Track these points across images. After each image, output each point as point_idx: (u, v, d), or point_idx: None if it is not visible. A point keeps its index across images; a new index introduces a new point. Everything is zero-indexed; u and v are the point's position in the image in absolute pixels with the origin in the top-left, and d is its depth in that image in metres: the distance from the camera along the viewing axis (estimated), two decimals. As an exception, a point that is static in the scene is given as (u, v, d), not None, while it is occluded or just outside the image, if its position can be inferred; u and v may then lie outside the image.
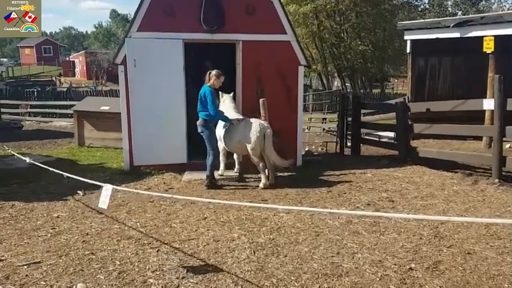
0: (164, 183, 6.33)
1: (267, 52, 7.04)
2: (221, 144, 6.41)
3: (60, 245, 3.95)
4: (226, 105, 6.36)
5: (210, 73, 5.95)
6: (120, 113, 6.99)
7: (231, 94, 6.59)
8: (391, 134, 9.99)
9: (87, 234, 4.21)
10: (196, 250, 3.71)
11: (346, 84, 35.06)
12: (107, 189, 3.57)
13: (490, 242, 3.71)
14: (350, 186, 5.94)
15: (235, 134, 6.09)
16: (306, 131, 13.97)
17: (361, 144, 9.15)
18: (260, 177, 6.16)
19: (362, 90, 32.27)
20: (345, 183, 6.11)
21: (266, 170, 6.09)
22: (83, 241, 4.02)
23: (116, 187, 3.89)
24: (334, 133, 12.30)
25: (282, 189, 5.81)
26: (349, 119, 9.38)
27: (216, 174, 6.48)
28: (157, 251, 3.69)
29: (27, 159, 5.86)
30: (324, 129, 14.26)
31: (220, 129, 6.27)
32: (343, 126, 9.53)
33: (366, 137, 10.02)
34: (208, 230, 4.20)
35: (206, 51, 8.15)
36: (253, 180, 6.51)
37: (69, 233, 4.26)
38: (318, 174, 6.81)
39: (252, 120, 6.13)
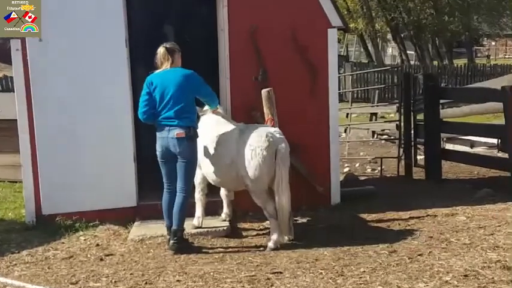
0: (98, 245, 6.23)
1: (272, 8, 7.07)
2: (199, 172, 6.30)
3: None
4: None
5: (173, 51, 5.87)
6: (17, 120, 6.91)
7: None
8: (494, 140, 10.00)
9: None
10: None
11: (408, 52, 35.01)
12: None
13: None
14: (429, 240, 5.84)
15: (224, 153, 5.99)
16: (343, 135, 14.01)
17: (443, 160, 9.14)
18: (267, 228, 6.11)
19: (436, 62, 32.14)
20: (419, 234, 6.04)
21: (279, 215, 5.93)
22: None
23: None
24: (394, 140, 12.17)
25: (309, 250, 5.71)
26: (420, 115, 9.39)
27: (190, 225, 6.36)
28: None
29: None
30: (374, 134, 14.22)
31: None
32: (409, 128, 9.49)
33: (449, 148, 10.13)
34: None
35: (165, 10, 8.09)
36: (255, 233, 6.38)
37: None
38: (369, 218, 6.77)
39: (253, 127, 6.05)
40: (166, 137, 5.76)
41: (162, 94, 5.78)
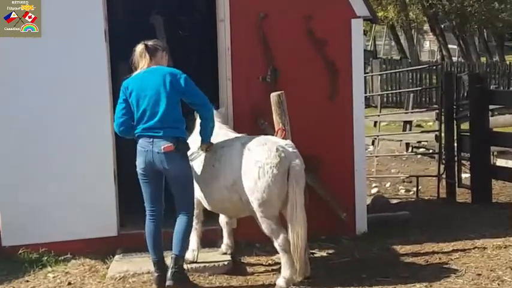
0: (70, 283, 6.17)
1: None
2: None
3: None
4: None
5: (155, 49, 5.84)
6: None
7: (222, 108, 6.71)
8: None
9: None
10: None
11: (450, 46, 34.92)
12: None
13: None
14: (477, 278, 5.78)
15: (224, 172, 5.94)
16: (370, 148, 14.06)
17: (494, 179, 9.14)
18: (277, 263, 6.06)
19: (484, 59, 31.97)
20: (465, 271, 5.99)
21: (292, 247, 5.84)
22: None
23: None
24: (432, 155, 12.10)
25: (327, 291, 5.65)
26: (464, 124, 9.40)
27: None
28: None
29: None
30: (408, 146, 14.27)
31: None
32: (451, 140, 9.51)
33: (501, 165, 10.09)
34: None
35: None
36: (262, 270, 6.37)
37: None
38: (403, 251, 6.77)
39: (260, 140, 5.98)
40: (151, 151, 5.69)
41: (139, 100, 5.74)
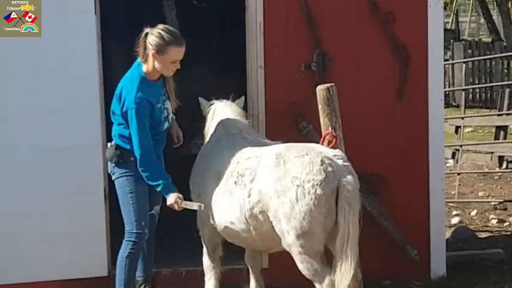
0: None
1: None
2: (206, 223, 6.35)
3: None
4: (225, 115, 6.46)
5: (145, 35, 5.96)
6: None
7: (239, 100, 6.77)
8: None
9: None
10: None
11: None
12: None
13: None
14: None
15: (249, 191, 5.91)
16: (450, 163, 14.13)
17: None
18: None
19: None
20: None
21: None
22: None
23: None
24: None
25: None
26: None
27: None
28: None
29: None
30: (503, 160, 14.33)
31: (200, 174, 6.32)
32: None
33: None
34: None
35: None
36: None
37: None
38: None
39: (299, 149, 5.95)
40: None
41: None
